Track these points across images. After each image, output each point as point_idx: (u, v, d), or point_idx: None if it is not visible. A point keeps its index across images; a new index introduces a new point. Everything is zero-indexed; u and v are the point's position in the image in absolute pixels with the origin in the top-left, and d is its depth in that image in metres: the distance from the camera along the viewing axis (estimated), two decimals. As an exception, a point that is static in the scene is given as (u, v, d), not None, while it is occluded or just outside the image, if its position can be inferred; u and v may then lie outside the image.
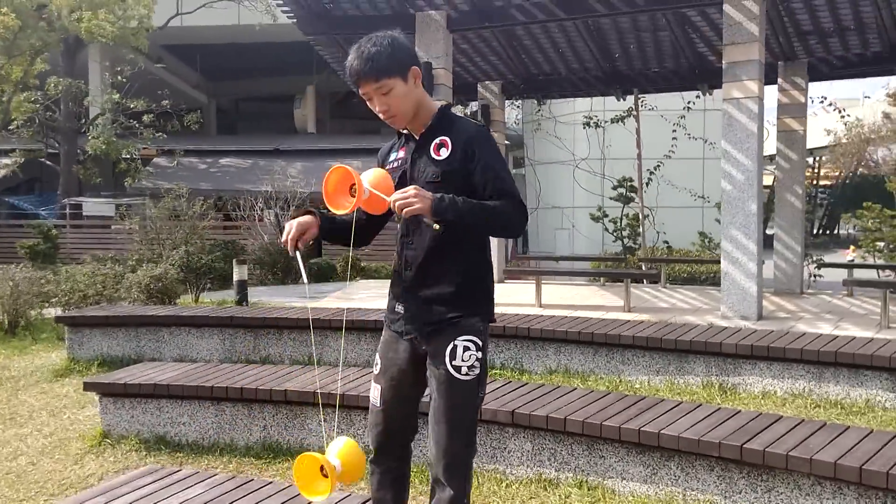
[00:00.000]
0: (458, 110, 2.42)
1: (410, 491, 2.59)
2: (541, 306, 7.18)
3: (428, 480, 3.64)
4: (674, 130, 12.09)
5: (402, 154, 2.32)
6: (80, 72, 18.84)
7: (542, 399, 3.89)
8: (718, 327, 5.28)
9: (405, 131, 2.31)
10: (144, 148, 18.07)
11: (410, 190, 2.06)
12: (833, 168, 30.42)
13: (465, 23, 7.94)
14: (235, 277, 7.52)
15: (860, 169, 28.75)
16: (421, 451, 3.64)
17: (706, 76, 9.21)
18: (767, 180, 17.13)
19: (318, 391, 4.00)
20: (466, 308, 2.24)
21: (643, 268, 11.04)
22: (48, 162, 19.13)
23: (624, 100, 10.60)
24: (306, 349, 5.50)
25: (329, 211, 2.17)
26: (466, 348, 2.19)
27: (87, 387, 4.60)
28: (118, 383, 4.46)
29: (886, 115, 23.07)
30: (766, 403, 4.43)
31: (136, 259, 9.87)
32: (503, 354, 5.26)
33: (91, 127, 17.71)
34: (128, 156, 17.71)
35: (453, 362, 2.19)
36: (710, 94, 9.73)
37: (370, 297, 8.25)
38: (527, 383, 4.29)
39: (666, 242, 13.61)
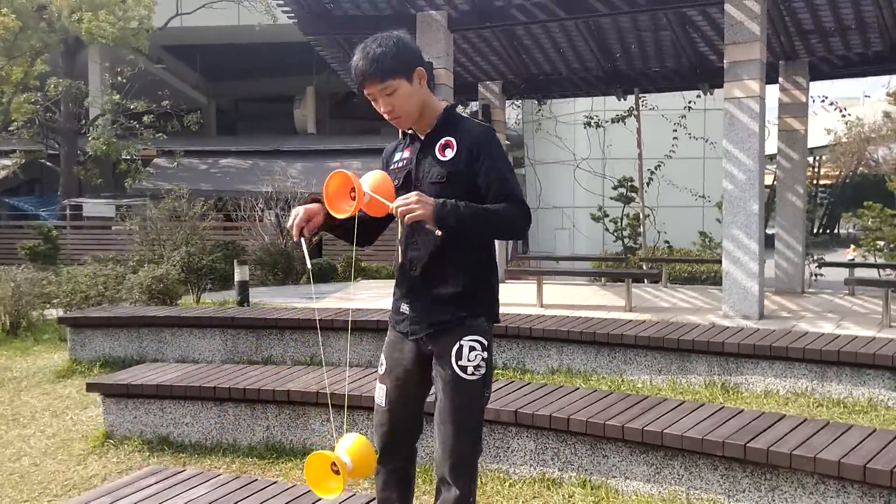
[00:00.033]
0: (458, 110, 2.40)
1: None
2: (542, 306, 7.18)
3: (430, 480, 3.64)
4: (674, 130, 12.09)
5: (406, 154, 2.32)
6: (79, 73, 18.83)
7: (544, 399, 3.90)
8: (720, 327, 5.28)
9: (410, 131, 2.31)
10: (144, 149, 18.05)
11: (412, 196, 2.06)
12: (833, 167, 30.44)
13: (465, 23, 7.94)
14: (237, 278, 7.52)
15: (860, 168, 28.77)
16: (424, 450, 3.64)
17: (707, 76, 9.21)
18: (767, 180, 17.13)
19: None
20: (472, 308, 2.24)
21: (644, 268, 11.04)
22: (48, 163, 19.12)
23: (625, 99, 10.60)
24: (308, 350, 5.51)
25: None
26: (472, 348, 2.20)
27: (90, 388, 4.60)
28: (121, 384, 4.47)
29: (887, 115, 23.08)
30: (768, 403, 4.43)
31: (136, 260, 9.87)
32: (505, 354, 5.26)
33: (91, 128, 17.70)
34: (128, 157, 17.70)
35: (459, 362, 2.19)
36: (711, 94, 9.73)
37: (372, 297, 8.25)
38: (529, 383, 4.29)
39: (667, 242, 13.61)
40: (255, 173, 18.12)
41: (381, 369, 2.37)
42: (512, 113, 19.43)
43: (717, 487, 3.34)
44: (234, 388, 4.26)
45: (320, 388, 4.11)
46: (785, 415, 3.64)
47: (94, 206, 18.32)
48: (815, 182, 27.25)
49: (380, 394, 2.35)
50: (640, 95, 11.30)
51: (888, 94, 20.58)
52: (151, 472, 3.54)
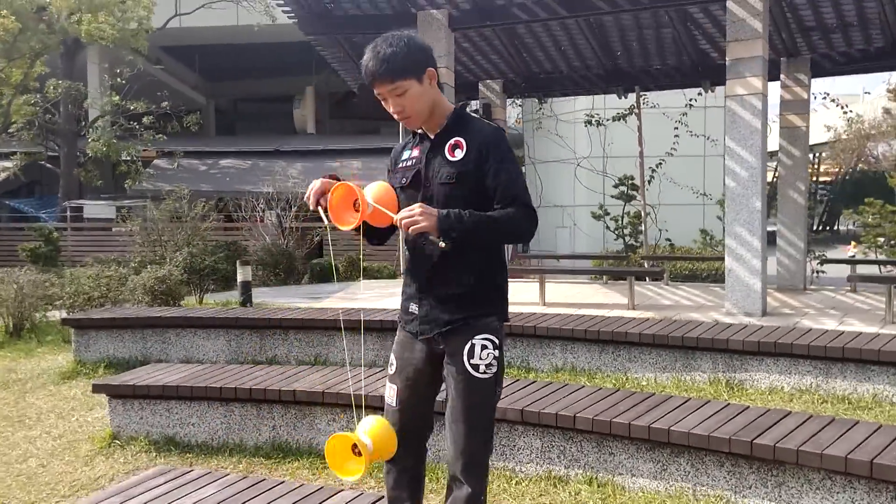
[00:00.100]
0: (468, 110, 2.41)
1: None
2: (545, 304, 7.18)
3: (437, 478, 3.66)
4: (676, 128, 12.09)
5: (416, 153, 2.32)
6: (78, 74, 18.83)
7: (550, 397, 3.91)
8: (724, 324, 5.28)
9: (420, 131, 2.31)
10: (144, 150, 18.06)
11: (416, 208, 2.07)
12: (833, 164, 30.45)
13: (466, 21, 7.95)
14: (239, 278, 7.51)
15: (860, 165, 28.78)
16: (430, 449, 3.64)
17: (708, 73, 9.22)
18: (768, 177, 17.12)
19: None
20: (482, 308, 2.24)
21: (646, 266, 11.04)
22: (48, 165, 19.12)
23: (625, 98, 10.60)
24: (312, 349, 5.52)
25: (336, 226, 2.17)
26: (484, 346, 2.20)
27: (96, 389, 4.61)
28: (127, 385, 4.47)
29: (887, 111, 23.09)
30: (773, 399, 4.44)
31: (138, 261, 9.88)
32: (509, 353, 5.26)
33: (91, 129, 17.71)
34: (128, 158, 17.71)
35: (471, 361, 2.19)
36: (713, 92, 9.73)
37: (374, 296, 8.25)
38: (534, 381, 4.30)
39: (668, 240, 13.62)
40: (256, 174, 18.13)
41: (391, 369, 2.37)
42: (512, 111, 19.44)
43: (724, 484, 3.35)
44: (241, 388, 4.26)
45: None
46: (790, 411, 3.65)
47: (95, 208, 18.33)
48: (814, 179, 27.26)
49: (390, 393, 2.36)
50: (641, 93, 11.30)
51: (888, 91, 20.60)
52: (159, 472, 3.55)
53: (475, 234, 2.13)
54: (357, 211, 2.10)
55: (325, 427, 4.14)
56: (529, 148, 18.26)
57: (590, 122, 13.37)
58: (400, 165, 2.35)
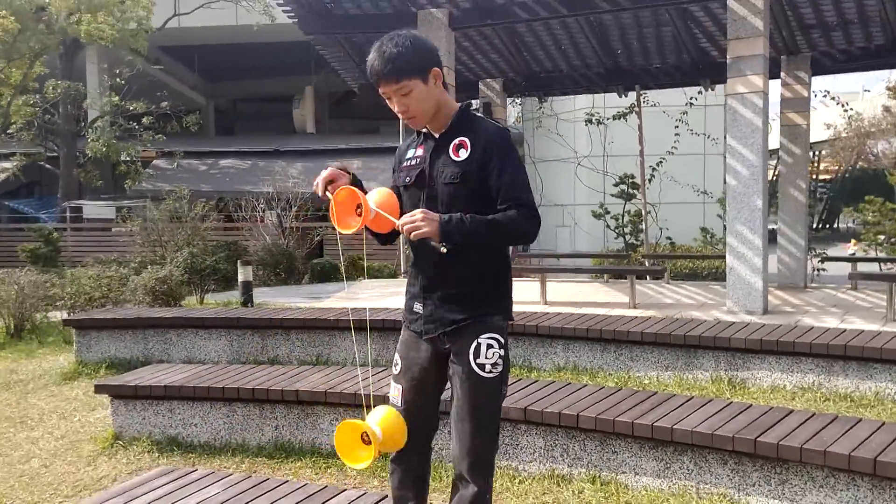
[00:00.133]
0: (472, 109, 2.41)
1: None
2: (546, 303, 7.18)
3: (440, 476, 3.66)
4: (676, 126, 12.09)
5: (420, 152, 2.32)
6: (77, 74, 18.82)
7: (553, 396, 3.91)
8: (726, 322, 5.28)
9: (424, 130, 2.31)
10: (144, 150, 18.05)
11: (418, 213, 2.08)
12: (832, 162, 30.47)
13: (467, 20, 7.95)
14: (240, 278, 7.51)
15: (859, 163, 28.80)
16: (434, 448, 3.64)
17: (708, 71, 9.22)
18: (768, 175, 17.14)
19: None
20: (487, 307, 2.24)
21: (646, 264, 11.04)
22: (48, 165, 19.11)
23: (626, 96, 10.60)
24: (314, 349, 5.52)
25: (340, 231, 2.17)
26: (490, 346, 2.20)
27: (99, 389, 4.61)
28: (129, 385, 4.47)
29: (886, 109, 23.09)
30: (775, 397, 4.44)
31: (138, 261, 9.87)
32: (511, 352, 5.25)
33: (90, 129, 17.70)
34: (127, 158, 17.70)
35: (477, 360, 2.19)
36: (713, 90, 9.72)
37: (375, 296, 8.25)
38: (537, 380, 4.30)
39: (669, 239, 13.62)
40: (256, 174, 18.12)
41: (396, 369, 2.37)
42: (512, 110, 19.43)
43: (727, 482, 3.35)
44: (243, 389, 4.26)
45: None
46: (793, 409, 3.65)
47: (94, 208, 18.33)
48: (814, 177, 27.26)
49: (395, 393, 2.35)
50: (642, 92, 11.30)
51: (888, 89, 20.58)
52: (163, 472, 3.55)
53: (477, 238, 2.14)
54: (359, 215, 2.11)
55: (328, 427, 4.14)
56: (530, 147, 18.25)
57: (590, 121, 13.37)
58: (404, 164, 2.35)
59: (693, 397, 3.89)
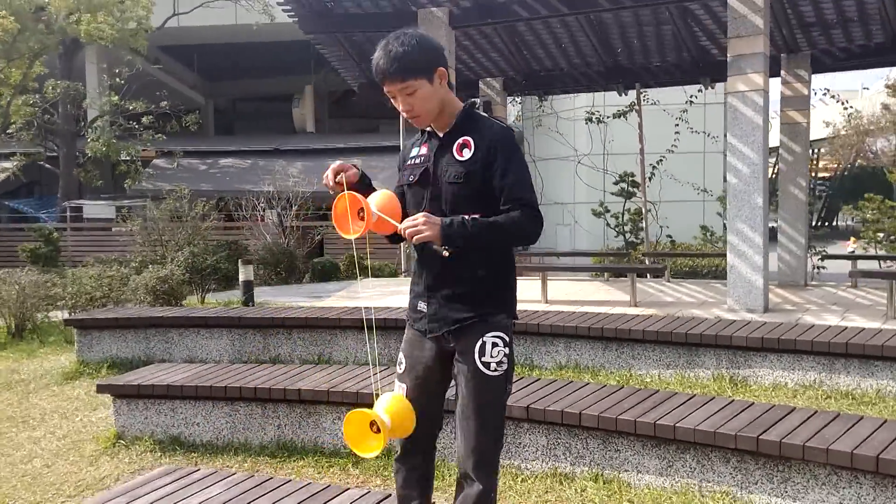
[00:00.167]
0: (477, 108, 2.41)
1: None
2: (547, 302, 7.19)
3: (442, 475, 3.66)
4: (676, 124, 12.10)
5: (424, 151, 2.32)
6: (77, 74, 18.82)
7: (555, 394, 3.91)
8: (727, 320, 5.29)
9: (428, 128, 2.31)
10: (144, 150, 18.06)
11: (420, 217, 2.09)
12: (831, 160, 30.48)
13: (467, 19, 7.95)
14: (241, 278, 7.52)
15: (858, 160, 28.81)
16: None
17: (708, 69, 9.22)
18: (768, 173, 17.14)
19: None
20: (492, 306, 2.25)
21: (647, 262, 11.05)
22: (47, 165, 19.11)
23: (626, 94, 10.61)
24: (316, 348, 5.52)
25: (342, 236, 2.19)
26: (495, 344, 2.20)
27: (101, 389, 4.61)
28: (131, 385, 4.47)
29: (885, 106, 23.10)
30: (777, 395, 4.44)
31: (139, 261, 9.88)
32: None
33: (90, 129, 17.69)
34: (127, 158, 17.71)
35: (482, 358, 2.19)
36: (713, 88, 9.72)
37: (376, 295, 8.26)
38: (539, 379, 4.30)
39: (669, 237, 13.63)
40: (256, 173, 18.12)
41: (401, 368, 2.37)
42: (512, 109, 19.43)
43: (730, 480, 3.36)
44: (245, 388, 4.26)
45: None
46: (795, 407, 3.65)
47: (94, 208, 18.33)
48: (813, 175, 27.27)
49: (399, 392, 2.35)
50: (642, 90, 11.31)
51: (887, 86, 20.59)
52: (165, 471, 3.55)
53: (479, 241, 2.15)
54: (362, 220, 2.12)
55: (331, 426, 4.15)
56: (530, 145, 18.27)
57: (590, 120, 13.38)
58: (408, 162, 2.35)
59: (695, 395, 3.90)
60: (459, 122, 2.25)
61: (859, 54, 8.56)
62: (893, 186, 20.87)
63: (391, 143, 16.34)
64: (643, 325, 5.05)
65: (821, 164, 30.55)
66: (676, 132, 12.29)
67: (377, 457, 3.96)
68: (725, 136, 14.98)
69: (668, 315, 5.69)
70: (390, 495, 3.08)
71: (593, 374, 4.98)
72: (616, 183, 13.43)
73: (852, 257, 10.04)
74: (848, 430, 3.26)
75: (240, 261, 7.69)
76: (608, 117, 13.13)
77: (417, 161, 2.32)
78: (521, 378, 4.32)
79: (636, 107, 11.95)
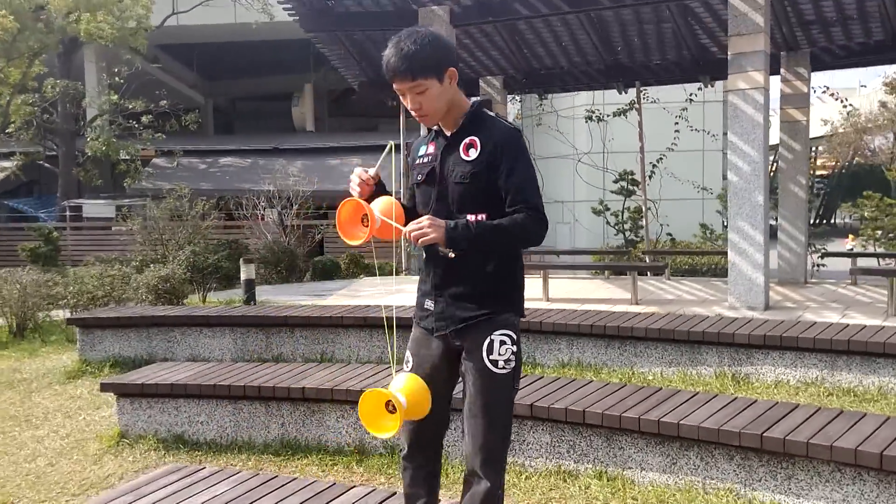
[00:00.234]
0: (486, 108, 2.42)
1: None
2: (548, 300, 7.21)
3: (445, 473, 3.67)
4: (676, 123, 12.11)
5: (431, 150, 2.33)
6: (76, 73, 18.80)
7: (558, 392, 3.92)
8: (729, 318, 5.30)
9: (436, 127, 2.32)
10: (143, 149, 18.05)
11: (424, 220, 2.10)
12: (829, 158, 30.50)
13: (467, 17, 7.95)
14: (243, 276, 7.53)
15: (856, 158, 28.83)
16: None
17: (708, 68, 9.23)
18: (767, 171, 17.12)
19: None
20: (499, 304, 2.25)
21: (647, 260, 11.06)
22: (47, 164, 19.10)
23: (626, 93, 10.62)
24: (318, 347, 5.53)
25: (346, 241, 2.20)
26: (503, 342, 2.21)
27: (104, 388, 4.61)
28: (135, 384, 4.48)
29: (883, 104, 23.12)
30: (779, 393, 4.46)
31: (139, 260, 9.88)
32: (515, 348, 5.27)
33: (89, 128, 17.68)
34: (127, 157, 17.70)
35: (490, 356, 2.20)
36: (712, 86, 9.73)
37: (377, 293, 8.27)
38: (542, 376, 4.31)
39: (669, 235, 13.64)
40: (256, 172, 18.12)
41: (407, 366, 2.37)
42: (512, 108, 19.44)
43: (734, 477, 3.37)
44: (249, 386, 4.27)
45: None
46: (798, 404, 3.67)
47: (94, 207, 18.32)
48: (812, 172, 27.28)
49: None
50: (642, 88, 11.32)
51: (884, 84, 20.60)
52: (170, 470, 3.56)
53: (483, 243, 2.16)
54: (365, 226, 2.13)
55: (334, 424, 4.15)
56: (530, 144, 18.26)
57: (590, 118, 13.39)
58: (417, 161, 2.36)
59: (698, 393, 3.91)
60: (467, 121, 2.26)
61: (859, 52, 8.57)
62: (891, 184, 20.89)
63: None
64: (645, 322, 5.06)
65: (819, 161, 30.57)
66: (676, 130, 12.30)
67: (381, 454, 3.99)
68: (725, 134, 15.00)
69: (670, 313, 5.71)
70: (395, 493, 3.09)
71: (596, 371, 4.99)
72: (616, 181, 13.44)
73: (852, 255, 10.06)
74: (851, 427, 3.27)
75: (241, 259, 7.69)
76: (608, 115, 13.13)
77: (425, 160, 2.32)
78: (525, 376, 4.32)
79: (636, 105, 11.97)
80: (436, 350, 2.32)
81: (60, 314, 7.86)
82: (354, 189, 2.21)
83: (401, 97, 2.22)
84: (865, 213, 12.52)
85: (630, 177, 13.12)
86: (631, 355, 5.03)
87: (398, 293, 7.56)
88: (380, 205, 2.19)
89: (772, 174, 15.14)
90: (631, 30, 8.98)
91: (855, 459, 3.04)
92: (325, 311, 5.78)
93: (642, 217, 12.68)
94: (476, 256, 2.22)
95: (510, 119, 18.39)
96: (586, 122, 13.68)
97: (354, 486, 3.26)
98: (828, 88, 11.51)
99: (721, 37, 8.40)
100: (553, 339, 5.22)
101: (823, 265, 11.24)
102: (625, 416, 3.54)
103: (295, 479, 3.39)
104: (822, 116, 25.03)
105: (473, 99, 2.32)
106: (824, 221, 29.64)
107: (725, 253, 6.88)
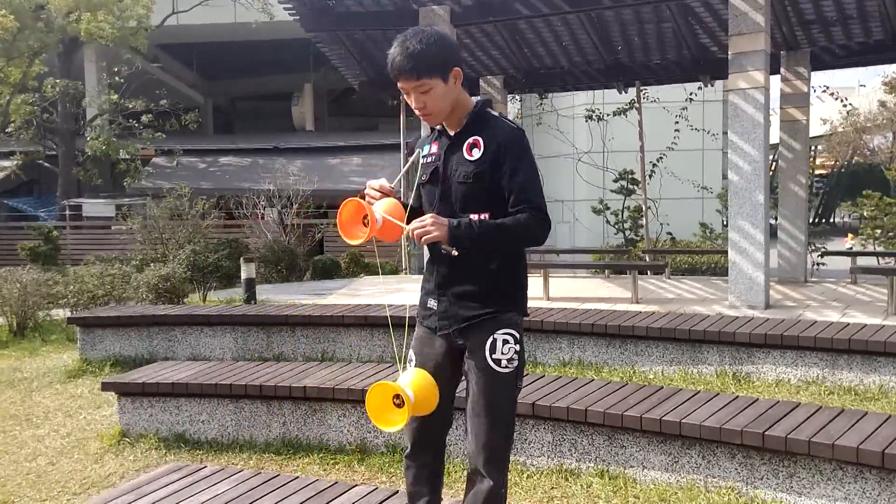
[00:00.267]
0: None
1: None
2: (549, 299, 7.21)
3: (447, 472, 3.67)
4: (676, 122, 12.11)
5: (435, 149, 2.33)
6: (76, 73, 18.79)
7: (560, 391, 3.92)
8: (730, 317, 5.31)
9: (439, 127, 2.32)
10: (143, 148, 18.04)
11: (427, 218, 2.11)
12: (829, 157, 30.52)
13: (468, 17, 7.95)
14: (243, 275, 7.53)
15: (855, 157, 28.85)
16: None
17: (708, 67, 9.23)
18: (767, 170, 17.12)
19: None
20: (502, 303, 2.25)
21: (647, 259, 11.07)
22: (47, 164, 19.09)
23: (626, 92, 10.62)
24: (319, 346, 5.53)
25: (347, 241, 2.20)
26: (506, 341, 2.21)
27: (105, 387, 4.61)
28: (136, 383, 4.48)
29: (882, 104, 23.14)
30: (780, 391, 4.46)
31: (140, 259, 9.88)
32: (516, 347, 5.27)
33: (89, 128, 17.68)
34: (127, 156, 17.69)
35: (493, 355, 2.20)
36: (712, 86, 9.73)
37: (378, 292, 8.27)
38: (543, 375, 4.31)
39: (670, 234, 13.65)
40: (256, 171, 18.12)
41: (411, 365, 2.37)
42: (512, 107, 19.44)
43: (735, 475, 3.37)
44: (250, 385, 4.27)
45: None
46: (799, 403, 3.67)
47: (94, 207, 18.31)
48: (811, 172, 27.29)
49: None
50: (642, 88, 11.32)
51: (884, 83, 20.63)
52: (172, 469, 3.55)
53: (486, 242, 2.16)
54: (366, 226, 2.13)
55: (336, 423, 4.15)
56: (530, 143, 18.29)
57: (590, 117, 13.39)
58: (421, 161, 2.36)
59: (699, 391, 3.91)
60: (470, 121, 2.26)
61: (859, 51, 8.57)
62: (891, 183, 20.90)
63: (391, 142, 16.34)
64: (646, 321, 5.06)
65: (818, 161, 30.59)
66: (676, 130, 12.30)
67: (383, 453, 3.99)
68: (725, 133, 15.00)
69: (671, 312, 5.71)
70: (397, 492, 3.09)
71: (597, 370, 5.00)
72: (616, 180, 13.45)
73: (852, 254, 10.07)
74: (852, 425, 3.27)
75: (242, 259, 7.70)
76: (608, 115, 13.14)
77: (429, 160, 2.33)
78: (526, 375, 4.29)
79: (636, 104, 11.97)
80: (439, 349, 2.32)
81: (61, 313, 7.86)
82: (372, 198, 2.21)
83: (405, 96, 2.22)
84: (865, 213, 12.53)
85: (630, 176, 13.12)
86: (632, 354, 5.04)
87: (397, 293, 7.56)
88: (381, 205, 2.19)
89: (772, 173, 15.16)
90: (631, 29, 8.98)
91: (856, 458, 3.05)
92: (325, 310, 5.78)
93: (642, 216, 12.68)
94: (479, 256, 2.22)
95: (511, 118, 18.38)
96: (586, 121, 13.69)
97: (356, 485, 3.26)
98: (827, 88, 11.54)
99: (721, 36, 8.40)
100: (554, 338, 5.22)
101: (823, 264, 11.25)
102: (626, 415, 3.54)
103: (296, 478, 3.39)
104: (822, 116, 25.05)
105: (477, 99, 2.32)
106: (823, 220, 29.65)
107: (725, 252, 6.89)
